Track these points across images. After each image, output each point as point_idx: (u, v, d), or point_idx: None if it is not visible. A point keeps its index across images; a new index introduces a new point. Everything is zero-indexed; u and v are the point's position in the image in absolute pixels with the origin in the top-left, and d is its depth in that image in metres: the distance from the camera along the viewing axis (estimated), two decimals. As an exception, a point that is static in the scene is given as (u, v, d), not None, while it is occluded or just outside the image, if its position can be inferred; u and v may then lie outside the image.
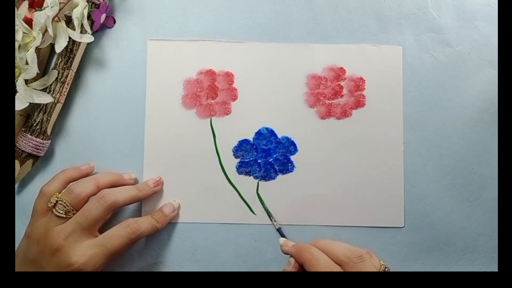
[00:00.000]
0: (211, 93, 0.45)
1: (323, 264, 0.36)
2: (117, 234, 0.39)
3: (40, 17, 0.39)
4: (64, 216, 0.40)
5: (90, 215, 0.39)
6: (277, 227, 0.44)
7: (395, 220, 0.45)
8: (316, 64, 0.46)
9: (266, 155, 0.45)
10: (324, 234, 0.44)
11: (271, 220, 0.44)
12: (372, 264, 0.36)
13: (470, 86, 0.46)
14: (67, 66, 0.43)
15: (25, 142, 0.42)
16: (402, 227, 0.45)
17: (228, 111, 0.45)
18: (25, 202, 0.44)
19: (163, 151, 0.45)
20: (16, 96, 0.39)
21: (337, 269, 0.35)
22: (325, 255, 0.37)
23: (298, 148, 0.45)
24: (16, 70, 0.39)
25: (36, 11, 0.40)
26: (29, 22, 0.40)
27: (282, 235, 0.44)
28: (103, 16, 0.44)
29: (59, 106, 0.43)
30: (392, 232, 0.45)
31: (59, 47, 0.41)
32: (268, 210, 0.45)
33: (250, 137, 0.45)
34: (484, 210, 0.45)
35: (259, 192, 0.45)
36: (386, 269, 0.37)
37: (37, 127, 0.43)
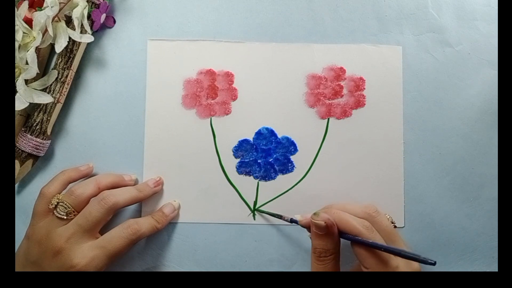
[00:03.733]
0: (211, 93, 0.45)
1: (355, 220, 0.37)
2: (117, 235, 0.39)
3: (40, 17, 0.39)
4: (65, 217, 0.40)
5: (91, 217, 0.39)
6: (289, 219, 0.42)
7: (395, 220, 0.45)
8: (316, 64, 0.46)
9: (266, 155, 0.45)
10: (324, 234, 0.45)
11: (282, 219, 0.43)
12: (384, 217, 0.39)
13: (470, 86, 0.46)
14: (67, 66, 0.43)
15: (25, 142, 0.42)
16: (402, 227, 0.45)
17: (228, 111, 0.45)
18: (25, 202, 0.44)
19: (163, 151, 0.45)
20: (16, 96, 0.39)
21: (365, 223, 0.37)
22: (349, 215, 0.38)
23: (298, 148, 0.45)
24: (16, 70, 0.39)
25: (36, 11, 0.40)
26: (29, 22, 0.40)
27: (293, 221, 0.41)
28: (103, 16, 0.44)
29: (59, 106, 0.43)
30: (392, 232, 0.44)
31: (59, 47, 0.41)
32: (274, 214, 0.44)
33: (250, 137, 0.45)
34: (484, 210, 0.45)
35: (258, 208, 0.45)
36: (393, 223, 0.41)
37: (37, 127, 0.43)
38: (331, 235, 0.36)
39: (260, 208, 0.45)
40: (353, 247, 0.37)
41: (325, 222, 0.36)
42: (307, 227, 0.39)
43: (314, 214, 0.37)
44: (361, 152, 0.45)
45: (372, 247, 0.35)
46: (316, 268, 0.37)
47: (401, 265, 0.36)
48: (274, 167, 0.45)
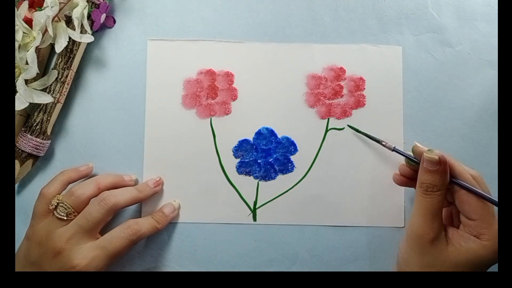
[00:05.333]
0: (211, 93, 0.45)
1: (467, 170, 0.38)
2: (118, 235, 0.39)
3: (40, 17, 0.39)
4: (66, 218, 0.40)
5: (91, 217, 0.39)
6: (392, 147, 0.42)
7: (395, 220, 0.45)
8: (316, 64, 0.46)
9: (266, 155, 0.45)
10: (324, 234, 0.45)
11: (382, 143, 0.43)
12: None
13: (470, 86, 0.46)
14: (67, 66, 0.43)
15: (25, 142, 0.42)
16: (402, 227, 0.45)
17: (228, 111, 0.45)
18: (25, 202, 0.44)
19: (163, 151, 0.45)
20: (16, 96, 0.39)
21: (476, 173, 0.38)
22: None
23: (298, 148, 0.45)
24: (16, 70, 0.39)
25: (36, 11, 0.40)
26: (29, 22, 0.40)
27: (401, 153, 0.42)
28: (103, 16, 0.44)
29: (59, 106, 0.43)
30: (392, 232, 0.45)
31: (59, 47, 0.41)
32: (370, 136, 0.44)
33: (250, 137, 0.45)
34: (484, 210, 0.45)
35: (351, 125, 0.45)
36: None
37: (37, 127, 0.43)
38: (441, 172, 0.36)
39: (354, 126, 0.45)
40: (459, 196, 0.37)
41: (438, 158, 0.36)
42: (419, 157, 0.39)
43: (428, 150, 0.37)
44: (361, 152, 0.45)
45: (483, 198, 0.36)
46: (420, 202, 0.37)
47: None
48: (274, 167, 0.45)
